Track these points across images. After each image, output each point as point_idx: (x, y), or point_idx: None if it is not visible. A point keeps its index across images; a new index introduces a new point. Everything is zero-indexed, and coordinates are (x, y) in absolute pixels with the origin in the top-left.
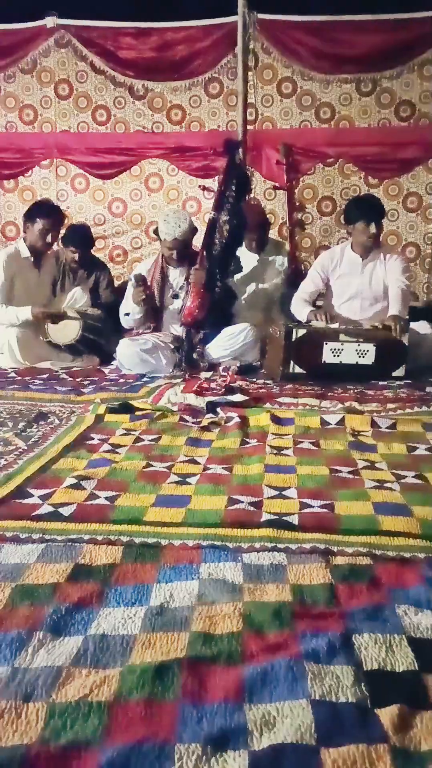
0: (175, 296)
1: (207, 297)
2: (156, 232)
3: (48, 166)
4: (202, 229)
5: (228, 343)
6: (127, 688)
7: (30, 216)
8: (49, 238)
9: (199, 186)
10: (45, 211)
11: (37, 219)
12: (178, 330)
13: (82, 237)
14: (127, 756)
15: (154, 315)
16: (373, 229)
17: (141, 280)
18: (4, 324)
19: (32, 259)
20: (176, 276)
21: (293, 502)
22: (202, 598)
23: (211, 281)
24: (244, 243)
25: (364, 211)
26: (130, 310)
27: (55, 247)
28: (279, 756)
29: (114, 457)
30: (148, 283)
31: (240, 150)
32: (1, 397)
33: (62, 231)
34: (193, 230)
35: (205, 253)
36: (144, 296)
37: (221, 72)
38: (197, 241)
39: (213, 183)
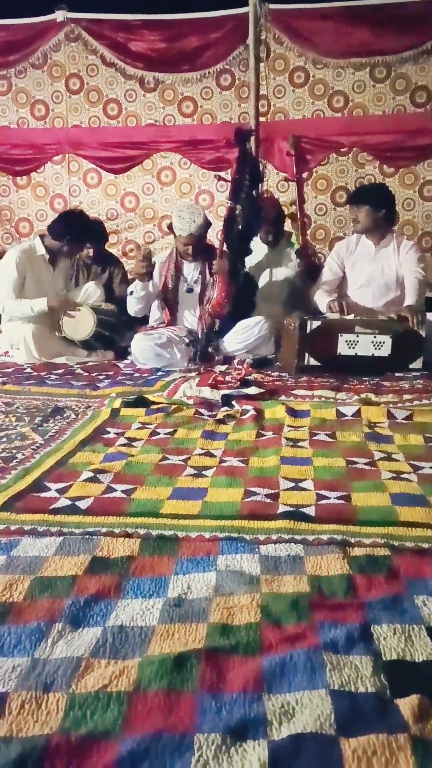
0: (190, 290)
1: (232, 286)
2: (170, 227)
3: (60, 162)
4: (215, 223)
5: (242, 336)
6: (146, 678)
7: (68, 234)
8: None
9: (215, 176)
10: (85, 229)
11: (77, 237)
12: (193, 324)
13: (96, 232)
14: (146, 746)
15: (169, 309)
16: (360, 213)
17: (145, 254)
18: (18, 317)
19: (47, 256)
20: (191, 270)
21: (310, 493)
22: (220, 590)
23: (234, 270)
24: (259, 235)
25: (354, 196)
26: (132, 288)
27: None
28: (299, 746)
29: (130, 450)
30: (152, 261)
31: (251, 139)
32: (18, 393)
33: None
34: (207, 224)
35: (225, 242)
36: (145, 270)
37: (233, 63)
38: (212, 233)
39: (225, 174)
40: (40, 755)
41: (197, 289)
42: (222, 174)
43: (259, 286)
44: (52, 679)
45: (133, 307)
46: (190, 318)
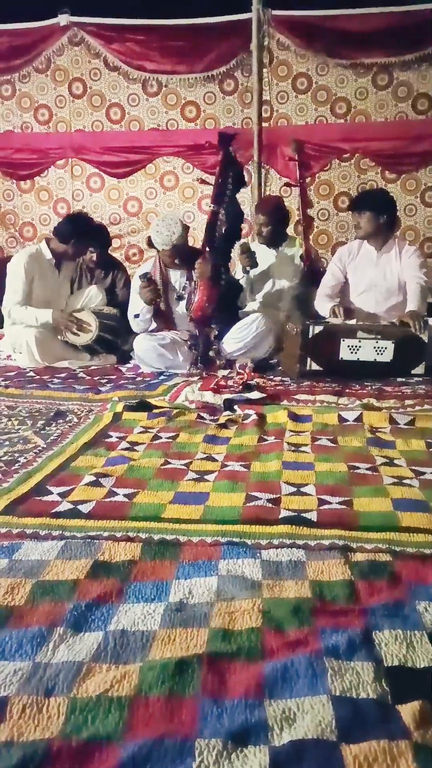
0: (180, 297)
1: (214, 291)
2: (149, 242)
3: (63, 166)
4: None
5: (241, 335)
6: (147, 683)
7: (74, 236)
8: (84, 251)
9: (197, 179)
10: (91, 231)
11: (83, 239)
12: (191, 330)
13: (99, 237)
14: (148, 751)
15: (164, 319)
16: (360, 218)
17: (147, 278)
18: (22, 324)
19: (53, 261)
20: (177, 277)
21: (311, 498)
22: (222, 595)
23: (216, 274)
24: (259, 236)
25: (356, 201)
26: (138, 310)
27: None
28: (300, 751)
29: (132, 454)
30: (153, 279)
31: (233, 142)
32: (21, 396)
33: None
34: (186, 230)
35: (208, 246)
36: (152, 295)
37: (236, 69)
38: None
39: (209, 178)
40: (41, 760)
41: (186, 295)
42: (205, 177)
43: (263, 291)
44: (53, 684)
45: (138, 327)
46: (186, 325)
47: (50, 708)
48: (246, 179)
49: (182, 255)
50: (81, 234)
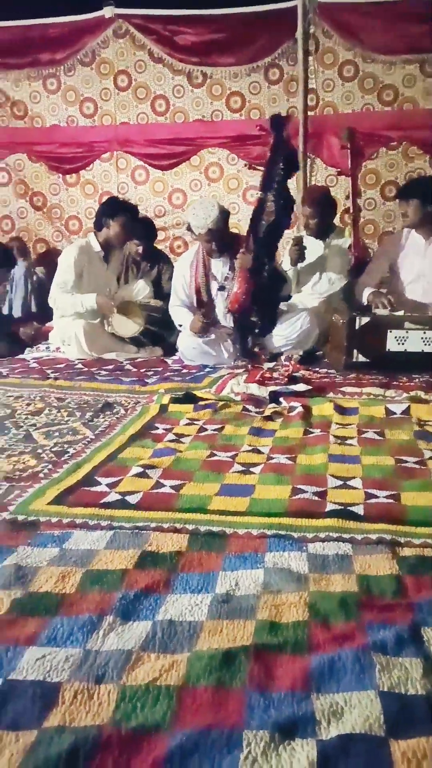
0: (222, 288)
1: (254, 282)
2: (189, 229)
3: (109, 159)
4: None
5: (286, 332)
6: (195, 673)
7: (110, 212)
8: (127, 234)
9: (245, 164)
10: (125, 207)
11: (121, 214)
12: (231, 323)
13: (145, 229)
14: (196, 741)
15: (206, 312)
16: (407, 207)
17: (202, 313)
18: (69, 312)
19: (102, 253)
20: (219, 267)
21: (358, 492)
22: (268, 587)
23: (258, 265)
24: (305, 227)
25: (403, 190)
26: (182, 322)
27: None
28: (347, 746)
29: (178, 446)
30: (203, 303)
31: (287, 126)
32: (69, 388)
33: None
34: (225, 214)
35: (251, 235)
36: (202, 328)
37: (281, 57)
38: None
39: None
40: (92, 746)
41: (229, 286)
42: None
43: (309, 283)
44: (103, 671)
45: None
46: (226, 318)
47: (101, 695)
48: (298, 164)
49: (220, 240)
50: (113, 213)
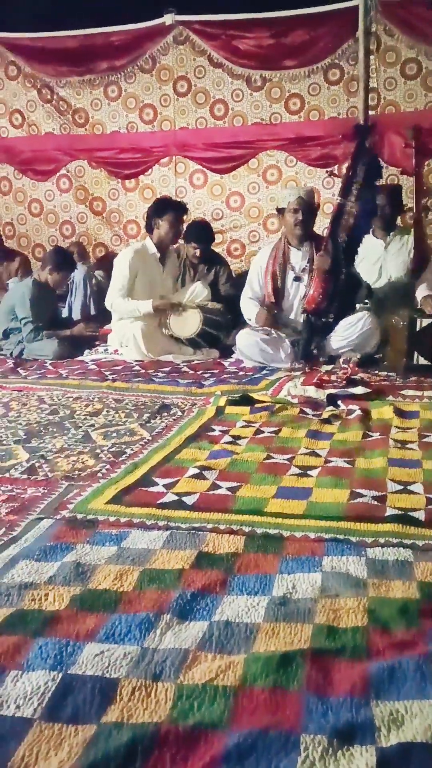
0: (297, 278)
1: (330, 285)
2: (278, 210)
3: (167, 164)
4: (322, 220)
5: (346, 333)
6: (252, 675)
7: (158, 211)
8: (176, 231)
9: (327, 171)
10: (172, 205)
11: (168, 212)
12: (299, 315)
13: (202, 232)
14: (253, 741)
15: (275, 299)
16: None
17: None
18: (125, 316)
19: (158, 255)
20: (298, 259)
21: (419, 497)
22: (326, 591)
23: (335, 268)
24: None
25: None
26: (252, 317)
27: (180, 241)
28: (408, 754)
29: (235, 448)
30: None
31: (371, 135)
32: (127, 390)
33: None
34: (315, 194)
35: (330, 238)
36: (268, 322)
37: (341, 57)
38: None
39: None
40: (150, 742)
41: (305, 278)
42: (309, 169)
43: (372, 283)
44: (160, 669)
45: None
46: (293, 313)
47: (158, 693)
48: (381, 171)
49: (308, 214)
50: (159, 212)
